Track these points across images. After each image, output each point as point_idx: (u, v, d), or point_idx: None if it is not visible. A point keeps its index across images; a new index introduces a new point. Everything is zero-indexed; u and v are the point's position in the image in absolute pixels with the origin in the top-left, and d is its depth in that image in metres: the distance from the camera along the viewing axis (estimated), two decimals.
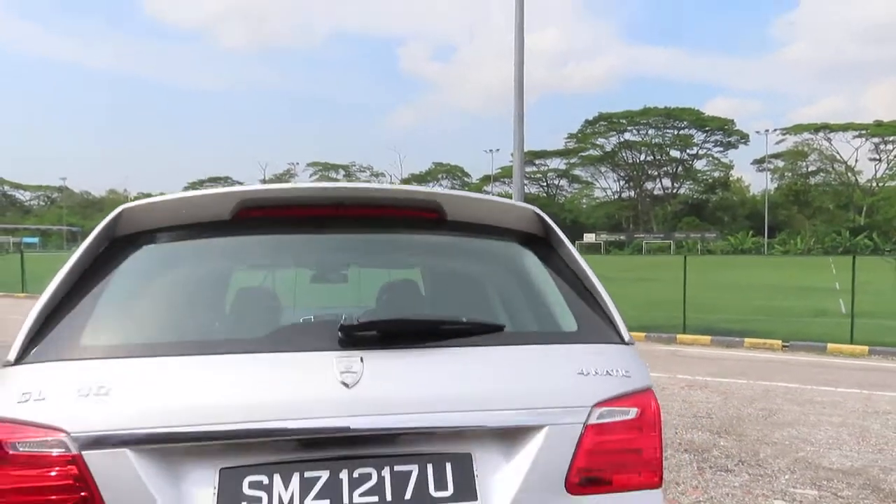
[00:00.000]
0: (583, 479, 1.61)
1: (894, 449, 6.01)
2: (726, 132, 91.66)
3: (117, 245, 1.95)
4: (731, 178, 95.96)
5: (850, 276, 13.59)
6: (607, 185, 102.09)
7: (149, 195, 2.43)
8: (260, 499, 1.43)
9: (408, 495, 1.49)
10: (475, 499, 1.54)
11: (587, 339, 1.87)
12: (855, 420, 7.05)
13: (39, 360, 1.58)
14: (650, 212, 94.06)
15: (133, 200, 2.03)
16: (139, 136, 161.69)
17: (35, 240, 72.37)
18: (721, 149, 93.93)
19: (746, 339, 12.49)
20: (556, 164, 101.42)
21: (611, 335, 1.91)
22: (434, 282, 2.36)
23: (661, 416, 1.81)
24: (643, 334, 13.22)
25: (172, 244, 2.00)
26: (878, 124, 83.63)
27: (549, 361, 1.78)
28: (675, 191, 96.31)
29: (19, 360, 1.59)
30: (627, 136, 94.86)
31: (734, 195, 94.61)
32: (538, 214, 2.19)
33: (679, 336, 13.08)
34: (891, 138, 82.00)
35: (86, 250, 1.85)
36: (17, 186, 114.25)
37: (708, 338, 12.81)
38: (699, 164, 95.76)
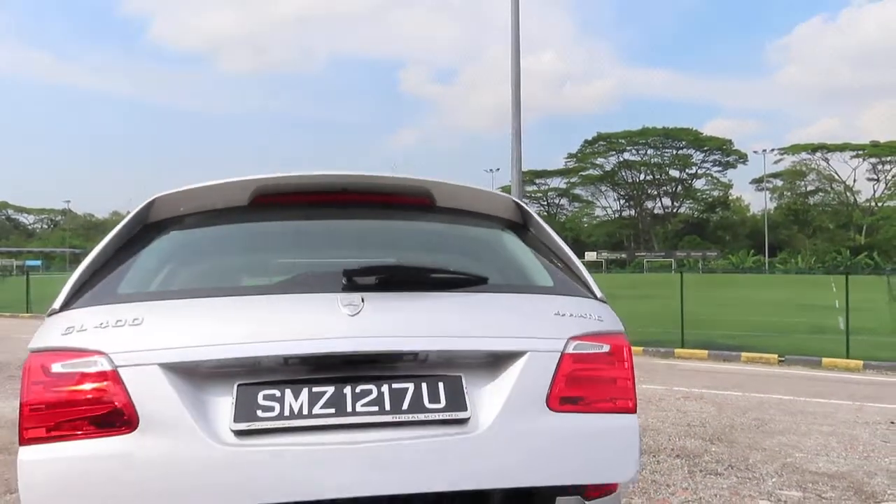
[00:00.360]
0: (562, 398, 1.82)
1: (881, 456, 6.20)
2: (725, 152, 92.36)
3: (148, 229, 2.27)
4: (730, 198, 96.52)
5: (850, 295, 13.85)
6: (608, 204, 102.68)
7: None
8: (273, 407, 1.65)
9: (405, 406, 1.70)
10: (465, 409, 1.75)
11: (563, 292, 2.13)
12: (845, 429, 7.23)
13: (80, 307, 1.85)
14: (651, 230, 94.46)
15: None
16: (142, 158, 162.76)
17: (38, 262, 72.73)
18: (720, 168, 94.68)
19: (743, 354, 12.67)
20: (557, 183, 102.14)
21: (585, 292, 2.18)
22: (426, 253, 2.62)
23: (632, 354, 2.02)
24: (641, 349, 13.40)
25: (198, 226, 2.31)
26: (875, 144, 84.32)
27: (529, 305, 2.05)
28: (675, 209, 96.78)
29: (63, 308, 1.86)
30: (627, 155, 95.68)
31: (734, 214, 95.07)
32: (517, 203, 2.49)
33: (677, 350, 13.26)
34: (888, 158, 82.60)
35: (119, 232, 2.15)
36: (21, 210, 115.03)
37: (705, 352, 12.99)
38: (698, 184, 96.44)
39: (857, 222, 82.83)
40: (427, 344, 1.79)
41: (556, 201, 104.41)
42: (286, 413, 1.64)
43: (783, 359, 12.36)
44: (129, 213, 2.26)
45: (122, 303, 1.83)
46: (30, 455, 1.59)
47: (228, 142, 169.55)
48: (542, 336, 1.90)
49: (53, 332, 1.76)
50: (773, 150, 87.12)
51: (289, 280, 2.07)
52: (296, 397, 1.66)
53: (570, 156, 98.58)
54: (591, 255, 79.34)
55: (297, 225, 2.38)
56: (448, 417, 1.74)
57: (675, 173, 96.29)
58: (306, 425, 1.64)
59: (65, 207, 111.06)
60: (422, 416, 1.71)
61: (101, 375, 1.63)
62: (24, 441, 1.62)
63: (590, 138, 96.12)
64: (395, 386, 1.72)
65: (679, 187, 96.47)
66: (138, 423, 1.59)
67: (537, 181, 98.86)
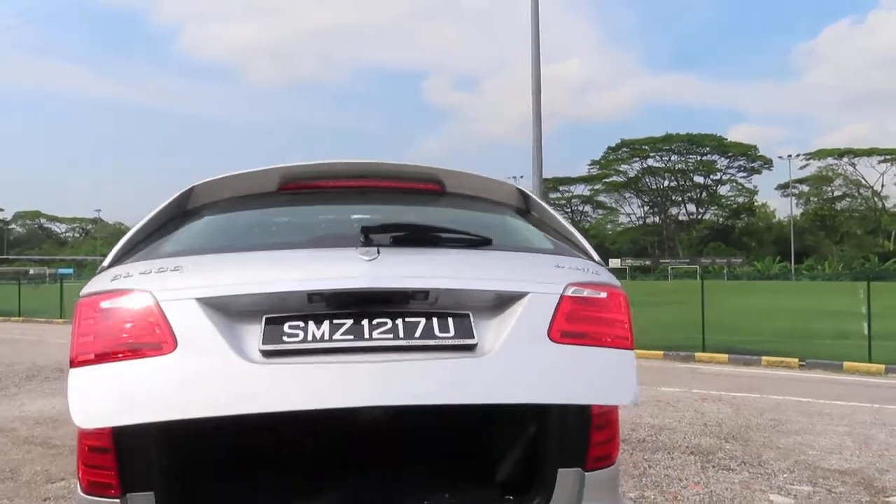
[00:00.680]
0: (563, 332, 2.01)
1: (894, 455, 6.26)
2: (749, 157, 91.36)
3: (186, 210, 2.58)
4: (755, 204, 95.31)
5: (878, 301, 13.77)
6: (632, 211, 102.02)
7: None
8: (297, 334, 1.87)
9: (417, 334, 1.91)
10: (472, 338, 1.94)
11: (563, 254, 2.37)
12: (861, 430, 7.28)
13: (125, 262, 2.15)
14: (675, 237, 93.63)
15: None
16: (169, 168, 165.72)
17: (70, 271, 74.41)
18: (745, 174, 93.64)
19: (764, 358, 12.67)
20: (581, 190, 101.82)
21: (583, 256, 2.41)
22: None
23: (628, 304, 2.21)
24: (661, 353, 13.47)
25: (231, 209, 2.62)
26: None
27: (530, 259, 2.30)
28: (699, 216, 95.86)
29: (110, 266, 2.15)
30: (650, 162, 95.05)
31: (760, 220, 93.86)
32: (520, 189, 2.77)
33: (697, 354, 13.30)
34: None
35: (159, 211, 2.46)
36: (54, 219, 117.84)
37: (725, 356, 13.01)
38: (723, 190, 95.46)
39: (885, 228, 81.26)
40: (437, 284, 2.01)
41: (580, 208, 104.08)
42: (309, 338, 1.86)
43: (804, 363, 12.33)
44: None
45: (163, 258, 2.13)
46: (79, 375, 1.83)
47: (254, 151, 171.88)
48: (543, 281, 2.11)
49: (102, 280, 2.04)
50: (798, 155, 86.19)
51: (312, 239, 2.34)
52: (318, 327, 1.88)
53: (594, 162, 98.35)
54: (615, 262, 78.87)
55: (319, 208, 2.67)
56: (457, 343, 1.92)
57: (699, 179, 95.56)
58: (327, 347, 1.85)
59: (95, 216, 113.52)
60: (432, 342, 1.91)
61: (144, 308, 1.88)
62: (74, 365, 1.86)
63: (613, 145, 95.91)
64: (408, 320, 1.93)
65: (703, 193, 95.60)
66: (176, 345, 1.82)
67: (561, 188, 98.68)
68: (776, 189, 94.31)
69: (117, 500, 2.13)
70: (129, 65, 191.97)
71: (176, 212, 2.53)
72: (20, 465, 5.97)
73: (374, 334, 1.89)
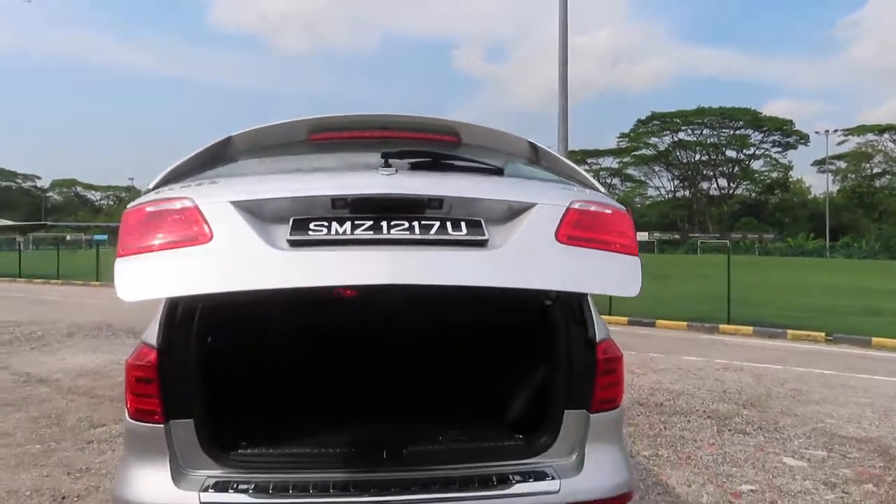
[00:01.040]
0: (570, 236, 2.12)
1: None
2: (785, 132, 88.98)
3: (223, 154, 2.76)
4: (790, 179, 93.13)
5: None
6: (661, 185, 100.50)
7: None
8: (321, 230, 2.02)
9: (432, 232, 2.04)
10: (484, 236, 2.07)
11: (572, 183, 2.50)
12: (883, 402, 7.28)
13: (168, 183, 2.34)
14: (706, 211, 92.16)
15: None
16: (200, 136, 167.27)
17: (105, 237, 76.18)
18: (779, 149, 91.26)
19: (790, 331, 12.58)
20: (609, 163, 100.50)
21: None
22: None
23: (633, 221, 2.31)
24: (685, 324, 13.48)
25: (264, 155, 2.81)
26: None
27: (540, 183, 2.46)
28: (731, 191, 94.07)
29: (154, 188, 2.34)
30: (681, 135, 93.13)
31: (794, 196, 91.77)
32: (531, 142, 2.91)
33: (722, 326, 13.27)
34: None
35: (198, 153, 2.62)
36: (89, 187, 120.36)
37: (751, 328, 12.96)
38: (756, 165, 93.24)
39: None
40: (450, 192, 2.15)
41: (608, 181, 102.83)
42: (332, 233, 2.02)
43: (831, 337, 12.22)
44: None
45: (200, 175, 2.34)
46: (124, 262, 2.00)
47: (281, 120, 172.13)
48: (551, 196, 2.24)
49: (147, 196, 2.24)
50: (836, 130, 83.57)
51: (336, 165, 2.55)
52: (340, 225, 2.04)
53: (623, 135, 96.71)
54: (642, 235, 78.10)
55: (345, 155, 2.81)
56: (469, 239, 2.05)
57: (731, 154, 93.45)
58: (348, 239, 2.01)
59: (129, 185, 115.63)
60: (446, 237, 2.04)
61: (183, 210, 2.07)
62: (120, 255, 2.02)
63: (643, 117, 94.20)
64: (423, 222, 2.07)
65: (736, 168, 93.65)
66: (212, 237, 1.99)
67: (589, 160, 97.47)
68: (812, 165, 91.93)
69: (161, 426, 2.34)
70: (160, 35, 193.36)
71: (213, 155, 2.70)
72: (65, 413, 6.32)
73: (392, 231, 2.03)
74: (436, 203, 2.11)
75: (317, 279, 1.95)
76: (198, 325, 2.44)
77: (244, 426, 2.69)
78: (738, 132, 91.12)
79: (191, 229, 2.01)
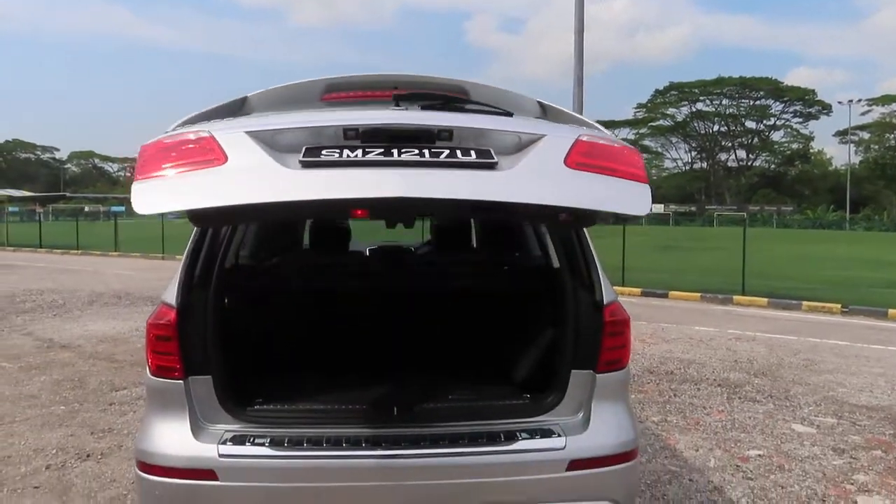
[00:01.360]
0: (578, 162, 2.13)
1: None
2: (807, 102, 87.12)
3: (239, 112, 2.77)
4: (811, 151, 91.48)
5: None
6: (678, 156, 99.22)
7: None
8: (333, 154, 2.06)
9: (442, 157, 2.07)
10: (493, 158, 2.09)
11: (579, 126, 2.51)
12: None
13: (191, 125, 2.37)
14: (723, 183, 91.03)
15: None
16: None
17: (122, 208, 76.93)
18: (801, 120, 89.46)
19: (805, 303, 12.52)
20: (625, 133, 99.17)
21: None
22: None
23: (641, 154, 2.31)
24: (699, 295, 13.46)
25: (279, 112, 2.81)
26: None
27: (549, 123, 2.50)
28: (750, 162, 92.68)
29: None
30: (700, 106, 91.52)
31: (815, 168, 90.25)
32: (540, 101, 2.94)
33: (736, 297, 13.23)
34: None
35: (213, 109, 2.64)
36: (106, 159, 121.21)
37: (765, 300, 12.91)
38: (776, 136, 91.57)
39: None
40: (460, 124, 2.19)
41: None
42: (343, 157, 2.06)
43: (846, 309, 12.14)
44: None
45: (216, 119, 2.39)
46: (140, 184, 2.03)
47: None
48: (560, 130, 2.28)
49: (164, 134, 2.29)
50: (860, 100, 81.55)
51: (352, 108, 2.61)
52: (351, 151, 2.08)
53: (640, 106, 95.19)
54: (658, 208, 77.45)
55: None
56: (478, 162, 2.08)
57: (751, 125, 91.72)
58: (359, 161, 2.04)
59: None
60: (456, 161, 2.07)
61: (199, 139, 2.10)
62: (137, 179, 2.06)
63: (661, 88, 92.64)
64: (433, 150, 2.10)
65: (755, 139, 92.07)
66: (227, 160, 2.02)
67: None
68: (834, 136, 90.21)
69: (181, 382, 2.43)
70: (179, 9, 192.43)
71: (229, 109, 2.74)
72: (87, 376, 6.50)
73: (403, 156, 2.06)
74: (445, 134, 2.15)
75: (329, 192, 1.97)
76: (215, 285, 2.51)
77: (261, 383, 2.78)
78: (758, 102, 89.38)
79: (206, 155, 2.04)
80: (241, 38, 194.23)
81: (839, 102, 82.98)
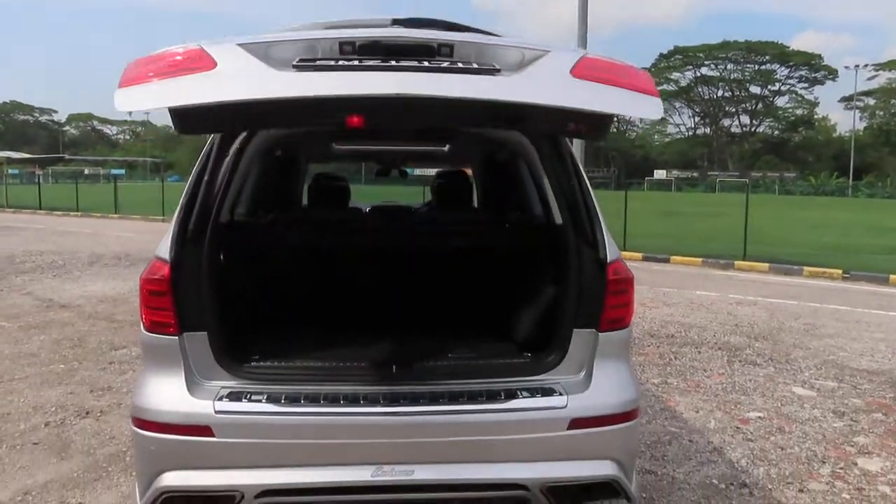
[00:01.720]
0: (583, 74, 2.05)
1: None
2: (812, 67, 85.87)
3: None
4: (815, 117, 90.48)
5: None
6: (681, 122, 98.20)
7: None
8: (329, 61, 2.01)
9: (442, 65, 2.02)
10: (496, 65, 2.03)
11: None
12: None
13: None
14: (726, 150, 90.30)
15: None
16: None
17: (122, 171, 76.62)
18: (806, 85, 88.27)
19: (806, 268, 12.48)
20: None
21: None
22: None
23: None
24: (700, 260, 13.41)
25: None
26: None
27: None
28: (753, 128, 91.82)
29: None
30: (704, 70, 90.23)
31: (819, 134, 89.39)
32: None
33: (737, 262, 13.19)
34: None
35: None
36: (105, 121, 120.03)
37: (766, 265, 12.87)
38: (781, 101, 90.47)
39: None
40: (462, 38, 2.12)
41: (626, 117, 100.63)
42: (339, 63, 2.01)
43: (848, 275, 12.11)
44: None
45: None
46: (125, 90, 1.95)
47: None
48: (565, 50, 2.21)
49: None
50: (867, 65, 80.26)
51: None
52: (348, 61, 2.03)
53: (644, 70, 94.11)
54: (660, 174, 77.03)
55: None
56: (481, 68, 2.01)
57: (755, 90, 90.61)
58: (355, 66, 1.99)
59: (144, 119, 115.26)
60: (457, 68, 2.01)
61: (187, 51, 2.02)
62: (120, 87, 1.97)
63: (665, 52, 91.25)
64: (433, 62, 2.04)
65: (759, 105, 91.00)
66: (216, 65, 1.95)
67: None
68: (839, 101, 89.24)
69: (175, 338, 2.38)
70: None
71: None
72: (87, 336, 6.49)
73: (402, 63, 1.99)
74: (446, 49, 2.08)
75: (322, 90, 1.90)
76: (210, 239, 2.44)
77: (258, 340, 2.74)
78: (763, 67, 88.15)
79: (195, 63, 1.98)
80: None
81: (845, 67, 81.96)
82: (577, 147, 10.66)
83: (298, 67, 1.95)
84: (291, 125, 2.46)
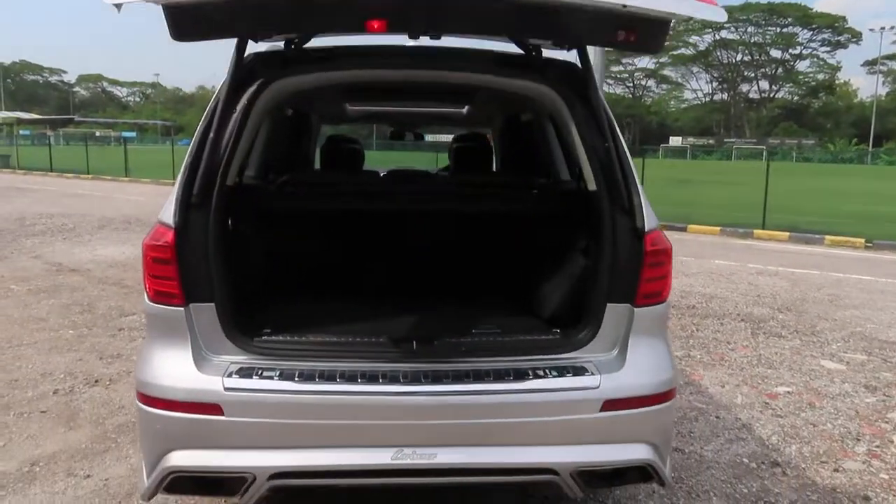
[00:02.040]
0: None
1: None
2: (836, 30, 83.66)
3: None
4: (836, 82, 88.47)
5: None
6: (698, 87, 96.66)
7: None
8: None
9: None
10: None
11: None
12: None
13: None
14: (743, 116, 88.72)
15: None
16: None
17: (133, 134, 76.36)
18: (828, 49, 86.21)
19: (827, 237, 12.20)
20: (645, 63, 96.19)
21: None
22: None
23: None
24: (718, 228, 13.14)
25: None
26: None
27: None
28: (772, 94, 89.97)
29: None
30: (724, 33, 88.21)
31: (839, 100, 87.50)
32: None
33: (756, 231, 12.92)
34: None
35: None
36: (115, 83, 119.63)
37: (786, 234, 12.59)
38: (802, 66, 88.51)
39: None
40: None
41: (643, 83, 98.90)
42: None
43: (870, 244, 11.83)
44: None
45: None
46: None
47: None
48: None
49: None
50: (893, 27, 78.10)
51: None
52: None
53: None
54: (675, 141, 75.90)
55: None
56: None
57: (776, 54, 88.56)
58: None
59: (154, 81, 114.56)
60: None
61: None
62: None
63: None
64: None
65: (779, 69, 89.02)
66: None
67: (623, 61, 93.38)
68: (862, 66, 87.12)
69: (181, 309, 2.22)
70: None
71: None
72: (96, 301, 6.40)
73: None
74: None
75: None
76: (217, 203, 2.26)
77: (269, 312, 2.58)
78: (785, 30, 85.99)
79: None
80: None
81: (870, 30, 79.97)
82: None
83: None
84: (300, 26, 2.19)
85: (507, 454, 2.18)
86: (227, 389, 2.13)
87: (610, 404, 2.18)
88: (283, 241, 3.06)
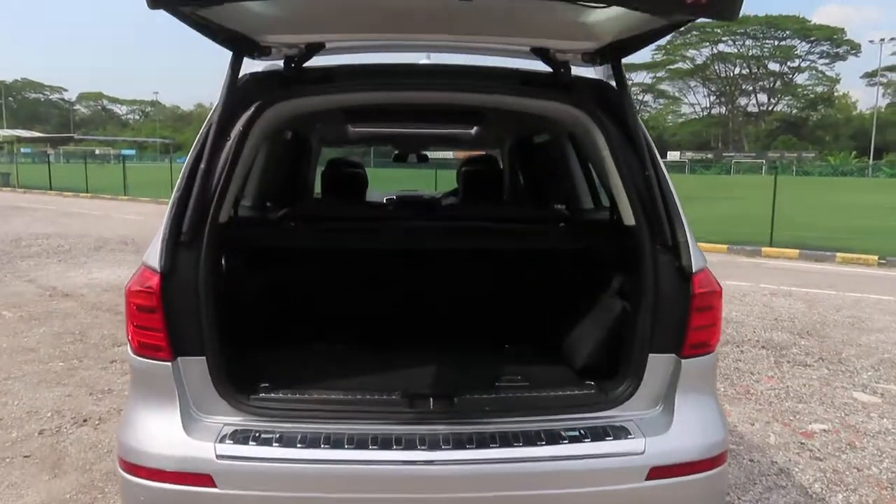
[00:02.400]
0: None
1: None
2: (835, 42, 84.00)
3: None
4: (835, 94, 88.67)
5: None
6: (696, 101, 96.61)
7: None
8: None
9: None
10: None
11: None
12: None
13: None
14: (742, 130, 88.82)
15: None
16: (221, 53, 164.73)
17: (132, 152, 76.43)
18: (827, 61, 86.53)
19: (838, 254, 11.94)
20: (642, 77, 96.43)
21: None
22: None
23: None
24: (725, 247, 12.88)
25: None
26: None
27: None
28: (771, 107, 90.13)
29: None
30: (721, 47, 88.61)
31: (838, 112, 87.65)
32: None
33: (764, 249, 12.66)
34: None
35: None
36: (115, 101, 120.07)
37: (796, 251, 12.33)
38: (800, 78, 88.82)
39: None
40: None
41: (640, 97, 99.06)
42: None
43: (884, 260, 11.57)
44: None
45: None
46: None
47: None
48: None
49: None
50: (892, 39, 78.24)
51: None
52: None
53: (659, 48, 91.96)
54: (673, 155, 75.76)
55: None
56: None
57: (774, 67, 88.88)
58: None
59: (153, 99, 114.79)
60: None
61: None
62: None
63: (682, 28, 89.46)
64: None
65: (778, 82, 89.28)
66: None
67: None
68: (861, 78, 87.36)
69: (168, 364, 1.96)
70: None
71: None
72: (89, 329, 6.13)
73: None
74: None
75: None
76: (209, 242, 2.00)
77: (267, 365, 2.31)
78: (783, 43, 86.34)
79: None
80: None
81: (869, 42, 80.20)
82: None
83: None
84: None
85: None
86: (219, 457, 1.86)
87: (657, 472, 1.91)
88: (282, 283, 2.79)
